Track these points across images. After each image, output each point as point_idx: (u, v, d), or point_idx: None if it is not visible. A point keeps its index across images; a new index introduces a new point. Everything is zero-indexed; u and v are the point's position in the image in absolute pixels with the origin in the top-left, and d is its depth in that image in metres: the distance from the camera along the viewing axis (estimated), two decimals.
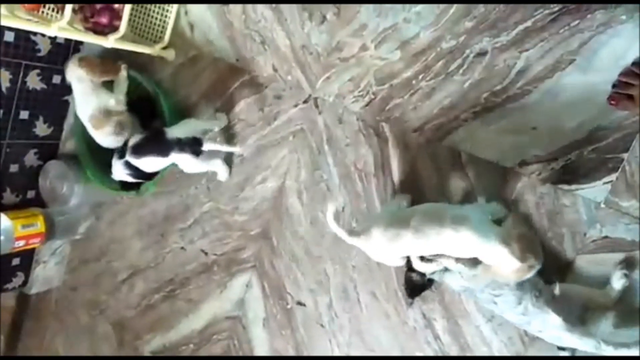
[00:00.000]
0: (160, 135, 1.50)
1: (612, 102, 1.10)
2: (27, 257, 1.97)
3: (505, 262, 1.11)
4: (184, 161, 1.51)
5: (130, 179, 1.62)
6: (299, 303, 1.59)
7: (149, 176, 1.63)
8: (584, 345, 1.13)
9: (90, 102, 1.56)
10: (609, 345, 1.11)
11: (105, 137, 1.60)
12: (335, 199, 1.39)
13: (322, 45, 1.48)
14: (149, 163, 1.54)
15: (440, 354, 1.39)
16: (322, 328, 1.56)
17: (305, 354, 1.59)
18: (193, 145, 1.47)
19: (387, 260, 1.33)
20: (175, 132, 1.49)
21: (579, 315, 1.16)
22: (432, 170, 1.37)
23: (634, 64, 1.11)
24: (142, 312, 1.90)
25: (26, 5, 1.40)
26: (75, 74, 1.54)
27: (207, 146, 1.49)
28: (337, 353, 1.54)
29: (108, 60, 1.60)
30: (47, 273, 2.05)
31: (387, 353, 1.46)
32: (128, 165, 1.56)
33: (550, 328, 1.15)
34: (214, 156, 1.59)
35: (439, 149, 1.36)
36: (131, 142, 1.54)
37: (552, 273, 1.22)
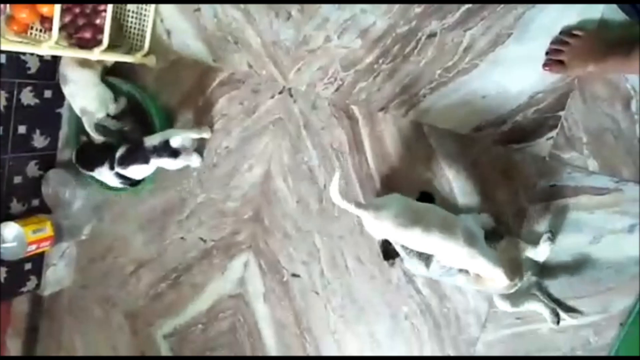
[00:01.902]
0: (139, 145, 1.64)
1: (546, 67, 1.26)
2: (38, 261, 2.08)
3: (498, 280, 1.24)
4: (166, 164, 1.66)
5: (123, 186, 1.78)
6: (294, 275, 1.74)
7: (140, 181, 1.79)
8: None
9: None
10: None
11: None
12: (335, 173, 1.46)
13: (290, 40, 1.61)
14: (136, 171, 1.69)
15: (422, 305, 1.55)
16: (317, 295, 1.71)
17: (304, 320, 1.74)
18: (166, 149, 1.61)
19: (380, 236, 1.42)
20: (152, 140, 1.63)
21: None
22: (400, 144, 1.51)
23: (561, 32, 1.26)
24: (151, 300, 2.03)
25: (14, 28, 1.50)
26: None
27: (175, 142, 1.61)
28: (332, 316, 1.69)
29: None
30: (57, 274, 2.16)
31: (375, 310, 1.61)
32: (118, 175, 1.72)
33: None
34: (189, 151, 1.72)
35: (403, 123, 1.50)
36: (117, 154, 1.67)
37: (509, 222, 1.38)
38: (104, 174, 1.74)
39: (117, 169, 1.68)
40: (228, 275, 1.85)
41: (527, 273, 1.33)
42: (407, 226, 1.25)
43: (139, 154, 1.65)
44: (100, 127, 1.72)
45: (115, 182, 1.75)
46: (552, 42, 1.26)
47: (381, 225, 1.29)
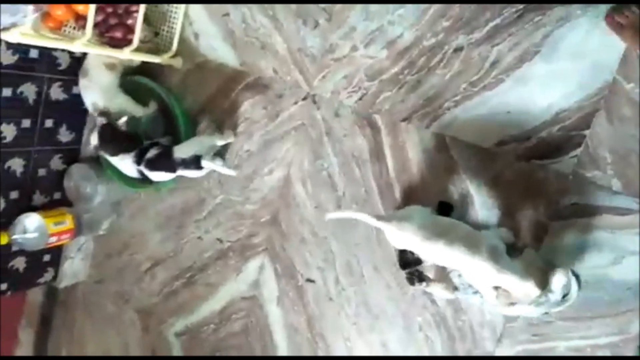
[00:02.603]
0: (168, 155, 1.65)
1: (608, 19, 1.22)
2: (56, 254, 2.10)
3: (529, 291, 1.21)
4: (190, 174, 1.67)
5: (140, 180, 1.78)
6: (309, 280, 1.73)
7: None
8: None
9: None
10: None
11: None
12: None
13: (316, 47, 1.61)
14: (159, 176, 1.70)
15: (437, 317, 1.54)
16: (331, 301, 1.70)
17: (317, 326, 1.73)
18: (195, 163, 1.62)
19: (402, 247, 1.41)
20: (181, 152, 1.63)
21: None
22: (421, 155, 1.51)
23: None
24: (164, 298, 2.03)
25: (49, 24, 1.52)
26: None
27: (205, 165, 1.62)
28: (345, 323, 1.68)
29: None
30: (74, 268, 2.17)
31: (390, 319, 1.61)
32: (140, 172, 1.72)
33: None
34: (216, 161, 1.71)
35: (425, 135, 1.50)
36: (148, 156, 1.68)
37: (530, 238, 1.37)
38: (127, 164, 1.73)
39: (142, 168, 1.69)
40: (243, 277, 1.85)
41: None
42: (430, 239, 1.26)
43: (167, 163, 1.65)
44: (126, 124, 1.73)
45: (133, 174, 1.75)
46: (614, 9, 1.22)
47: (404, 237, 1.29)
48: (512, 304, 1.27)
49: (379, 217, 1.34)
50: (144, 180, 1.78)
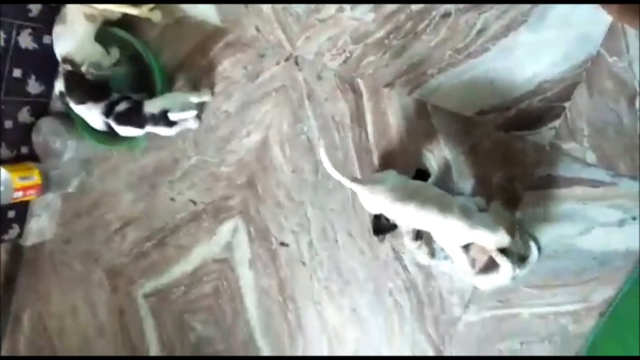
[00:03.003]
0: (138, 109, 1.58)
1: None
2: (22, 210, 2.01)
3: (501, 240, 1.22)
4: (160, 131, 1.61)
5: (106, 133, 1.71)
6: (282, 244, 1.72)
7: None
8: None
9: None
10: None
11: None
12: (320, 146, 1.43)
13: (301, 7, 1.56)
14: (127, 131, 1.63)
15: (408, 283, 1.55)
16: (303, 265, 1.69)
17: (288, 289, 1.73)
18: (164, 119, 1.57)
19: (375, 211, 1.40)
20: (152, 107, 1.57)
21: None
22: (402, 121, 1.50)
23: None
24: (134, 259, 1.99)
25: None
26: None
27: (172, 117, 1.57)
28: (316, 287, 1.68)
29: None
30: (40, 225, 2.10)
31: (360, 285, 1.61)
32: (107, 125, 1.65)
33: None
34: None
35: (407, 101, 1.48)
36: (117, 109, 1.61)
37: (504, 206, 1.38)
38: (93, 114, 1.65)
39: (110, 121, 1.62)
40: (216, 239, 1.82)
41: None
42: (402, 201, 1.26)
43: (136, 119, 1.59)
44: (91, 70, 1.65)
45: (100, 126, 1.67)
46: None
47: (377, 200, 1.29)
48: (485, 270, 1.28)
49: (354, 179, 1.33)
50: (112, 135, 1.71)
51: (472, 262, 1.28)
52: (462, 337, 1.50)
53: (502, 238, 1.22)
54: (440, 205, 1.25)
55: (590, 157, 1.30)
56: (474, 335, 1.49)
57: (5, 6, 1.61)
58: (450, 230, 1.24)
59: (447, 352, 1.53)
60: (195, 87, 1.74)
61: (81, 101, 1.65)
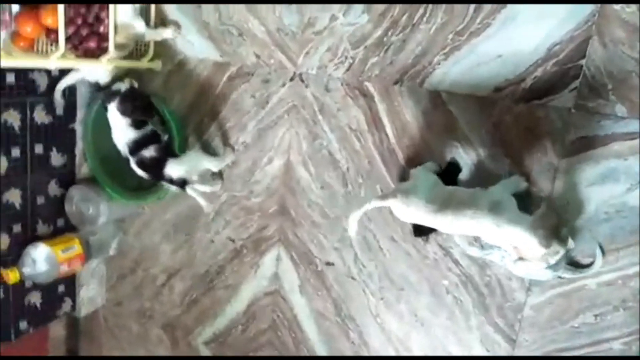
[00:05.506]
0: (161, 164, 1.74)
1: None
2: (70, 282, 2.19)
3: (533, 248, 1.28)
4: (174, 188, 1.78)
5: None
6: (328, 263, 1.80)
7: None
8: None
9: None
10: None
11: None
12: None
13: (295, 24, 1.67)
14: (143, 175, 1.77)
15: (463, 277, 1.60)
16: (353, 280, 1.77)
17: (344, 308, 1.81)
18: (181, 186, 1.75)
19: (410, 221, 1.47)
20: (173, 170, 1.73)
21: None
22: (419, 115, 1.57)
23: None
24: (187, 308, 2.12)
25: (20, 44, 1.59)
26: None
27: (189, 192, 1.76)
28: (372, 300, 1.75)
29: None
30: (90, 293, 2.27)
31: (415, 288, 1.67)
32: (130, 155, 1.76)
33: None
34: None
35: (420, 94, 1.55)
36: (143, 153, 1.74)
37: (542, 181, 1.42)
38: (125, 134, 1.74)
39: (132, 160, 1.75)
40: (261, 272, 1.93)
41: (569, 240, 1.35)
42: (439, 211, 1.33)
43: (156, 171, 1.74)
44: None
45: (121, 147, 1.77)
46: None
47: (412, 212, 1.36)
48: (521, 259, 1.34)
49: (383, 197, 1.40)
50: (139, 190, 1.89)
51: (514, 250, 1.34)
52: (532, 321, 1.54)
53: (534, 247, 1.27)
54: (472, 205, 1.31)
55: (620, 109, 1.33)
56: (544, 317, 1.52)
57: (15, 86, 1.79)
58: (483, 231, 1.31)
59: (520, 339, 1.56)
60: (208, 128, 1.87)
61: (127, 113, 1.73)
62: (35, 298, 2.06)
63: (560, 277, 1.43)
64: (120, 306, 2.30)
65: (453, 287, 1.62)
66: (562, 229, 1.32)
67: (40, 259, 1.89)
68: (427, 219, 1.35)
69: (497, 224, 1.28)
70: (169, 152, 1.77)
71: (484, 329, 1.60)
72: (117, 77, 1.81)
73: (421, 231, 1.60)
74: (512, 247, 1.33)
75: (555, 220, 1.33)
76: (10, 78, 1.78)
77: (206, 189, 1.81)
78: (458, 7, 1.45)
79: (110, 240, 2.13)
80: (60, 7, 1.46)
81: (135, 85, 1.76)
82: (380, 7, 1.55)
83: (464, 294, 1.60)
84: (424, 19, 1.50)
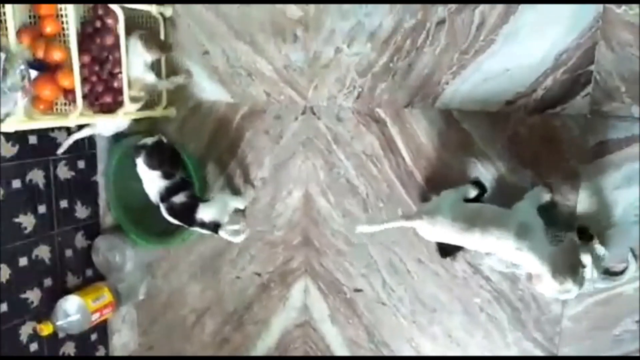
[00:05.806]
0: (192, 209, 1.73)
1: None
2: (102, 330, 2.20)
3: (547, 281, 1.28)
4: (205, 232, 1.76)
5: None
6: (356, 290, 1.79)
7: None
8: None
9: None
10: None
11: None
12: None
13: (301, 60, 1.70)
14: (174, 221, 1.77)
15: (495, 293, 1.58)
16: (384, 306, 1.75)
17: (377, 334, 1.79)
18: (214, 230, 1.73)
19: (436, 240, 1.49)
20: (204, 213, 1.72)
21: None
22: (433, 135, 1.57)
23: None
24: (218, 347, 2.11)
25: (40, 107, 1.63)
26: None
27: (222, 235, 1.72)
28: (404, 323, 1.73)
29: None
30: (123, 340, 2.27)
31: (447, 308, 1.65)
32: (160, 202, 1.76)
33: None
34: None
35: (432, 115, 1.56)
36: (173, 199, 1.74)
37: (566, 190, 1.41)
38: (155, 185, 1.75)
39: (163, 207, 1.74)
40: (290, 304, 1.92)
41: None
42: (467, 230, 1.32)
43: (187, 217, 1.73)
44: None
45: (152, 197, 1.77)
46: None
47: (438, 231, 1.36)
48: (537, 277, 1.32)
49: (408, 217, 1.40)
50: (163, 235, 1.90)
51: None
52: (572, 333, 1.50)
53: (545, 278, 1.27)
54: (500, 225, 1.30)
55: (636, 110, 1.32)
56: (584, 328, 1.48)
57: (37, 146, 1.84)
58: (505, 251, 1.31)
59: (562, 353, 1.53)
60: (226, 168, 1.90)
61: (155, 167, 1.74)
62: (69, 349, 2.08)
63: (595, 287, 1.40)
64: (152, 349, 2.30)
65: (486, 304, 1.59)
66: (581, 269, 1.29)
67: (72, 310, 1.91)
68: (454, 237, 1.35)
69: (519, 248, 1.28)
70: (198, 197, 1.78)
71: (522, 344, 1.57)
72: (145, 131, 1.85)
73: (447, 252, 1.59)
74: (529, 272, 1.32)
75: (576, 257, 1.30)
76: (33, 140, 1.83)
77: (236, 227, 1.81)
78: (460, 27, 1.46)
79: (139, 285, 2.14)
80: (76, 68, 1.50)
81: (164, 139, 1.77)
82: (382, 35, 1.57)
83: (498, 310, 1.58)
84: (427, 42, 1.52)
